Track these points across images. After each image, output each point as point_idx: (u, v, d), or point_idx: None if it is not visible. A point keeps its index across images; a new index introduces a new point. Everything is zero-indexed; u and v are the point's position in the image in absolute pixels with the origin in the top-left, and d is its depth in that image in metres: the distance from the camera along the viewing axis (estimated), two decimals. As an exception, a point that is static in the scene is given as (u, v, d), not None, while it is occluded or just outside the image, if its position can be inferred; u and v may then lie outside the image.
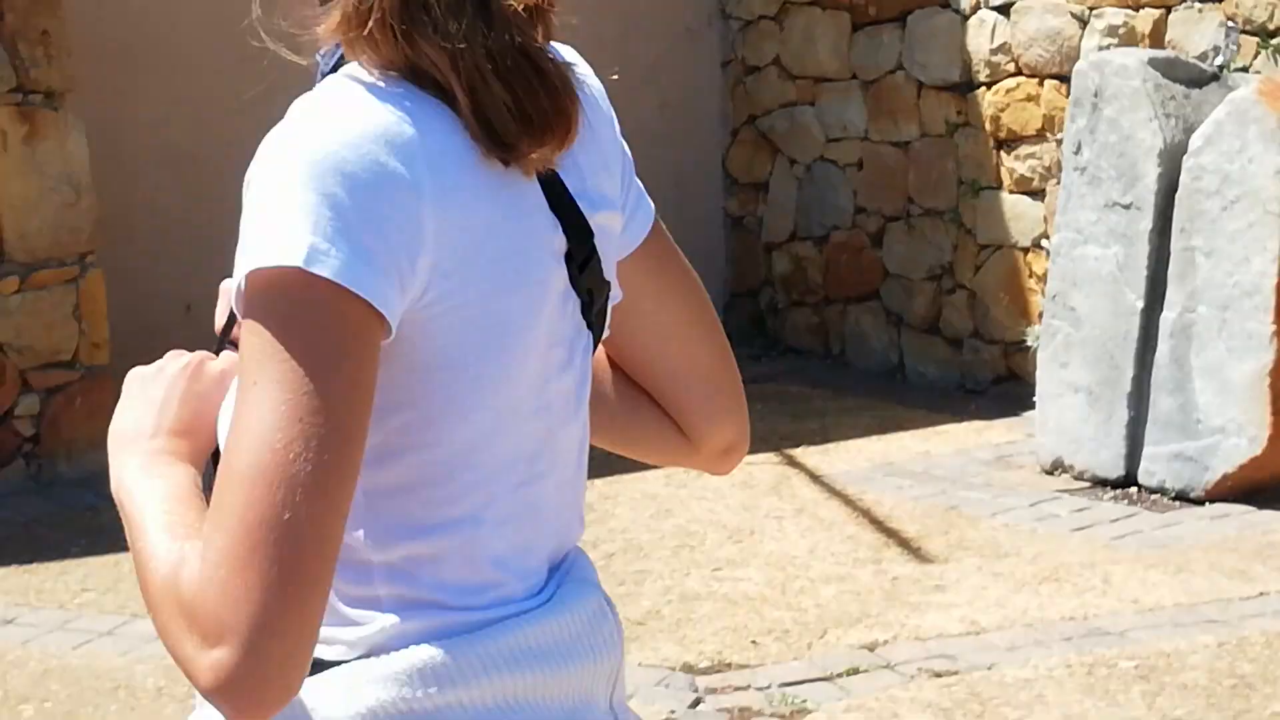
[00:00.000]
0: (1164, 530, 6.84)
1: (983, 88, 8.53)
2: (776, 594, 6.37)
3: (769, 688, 5.63)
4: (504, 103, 2.07)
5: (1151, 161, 7.19)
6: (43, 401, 7.86)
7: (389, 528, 2.07)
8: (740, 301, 9.85)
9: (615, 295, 2.29)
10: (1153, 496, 7.15)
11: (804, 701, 5.51)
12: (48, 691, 5.76)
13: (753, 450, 7.19)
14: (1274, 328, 6.84)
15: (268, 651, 1.84)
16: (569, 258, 2.18)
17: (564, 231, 2.17)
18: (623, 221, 2.32)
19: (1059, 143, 7.85)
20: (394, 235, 1.99)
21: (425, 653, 2.03)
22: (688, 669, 5.78)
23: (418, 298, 2.02)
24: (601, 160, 2.28)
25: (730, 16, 9.66)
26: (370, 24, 2.02)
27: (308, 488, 1.83)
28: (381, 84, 2.04)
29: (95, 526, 7.10)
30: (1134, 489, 7.23)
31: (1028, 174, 8.38)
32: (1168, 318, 7.16)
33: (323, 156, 1.94)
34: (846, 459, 7.78)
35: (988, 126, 8.53)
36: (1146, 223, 7.21)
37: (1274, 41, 7.40)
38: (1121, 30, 7.85)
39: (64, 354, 7.90)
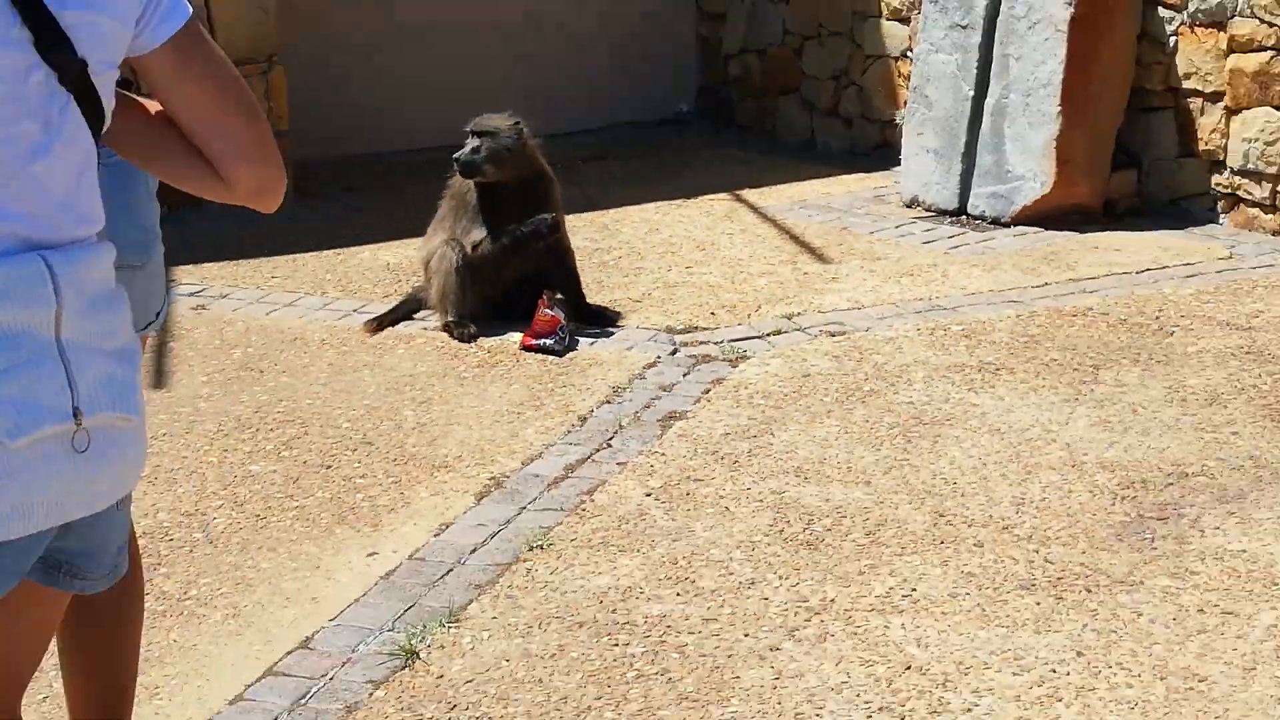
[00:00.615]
0: (983, 243, 6.98)
1: None
2: (728, 283, 6.55)
3: (721, 342, 5.81)
4: None
5: None
6: None
7: None
8: (706, 94, 9.76)
9: (108, 74, 2.19)
10: (976, 221, 7.26)
11: (744, 350, 5.70)
12: (250, 340, 5.98)
13: (712, 191, 7.54)
14: (1059, 109, 6.96)
15: None
16: (38, 43, 2.06)
17: (28, 26, 2.05)
18: (126, 27, 2.18)
19: None
20: None
21: None
22: (669, 330, 5.98)
23: None
24: None
25: None
26: None
27: None
28: None
29: (279, 238, 7.23)
30: (964, 217, 7.33)
31: (899, 6, 8.34)
32: (989, 103, 7.27)
33: None
34: (775, 197, 7.84)
35: None
36: (977, 38, 7.29)
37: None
38: None
39: None
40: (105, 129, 2.22)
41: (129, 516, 2.37)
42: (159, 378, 5.62)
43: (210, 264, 6.85)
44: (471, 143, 5.94)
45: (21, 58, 2.07)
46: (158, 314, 2.97)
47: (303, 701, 3.60)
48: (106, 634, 3.04)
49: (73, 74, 2.11)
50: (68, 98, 2.12)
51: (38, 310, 2.07)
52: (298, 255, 7.02)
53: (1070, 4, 6.95)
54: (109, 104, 2.21)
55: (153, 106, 2.32)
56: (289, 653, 3.81)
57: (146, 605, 3.18)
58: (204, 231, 7.14)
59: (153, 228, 2.92)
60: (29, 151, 2.10)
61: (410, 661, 3.73)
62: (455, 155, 5.94)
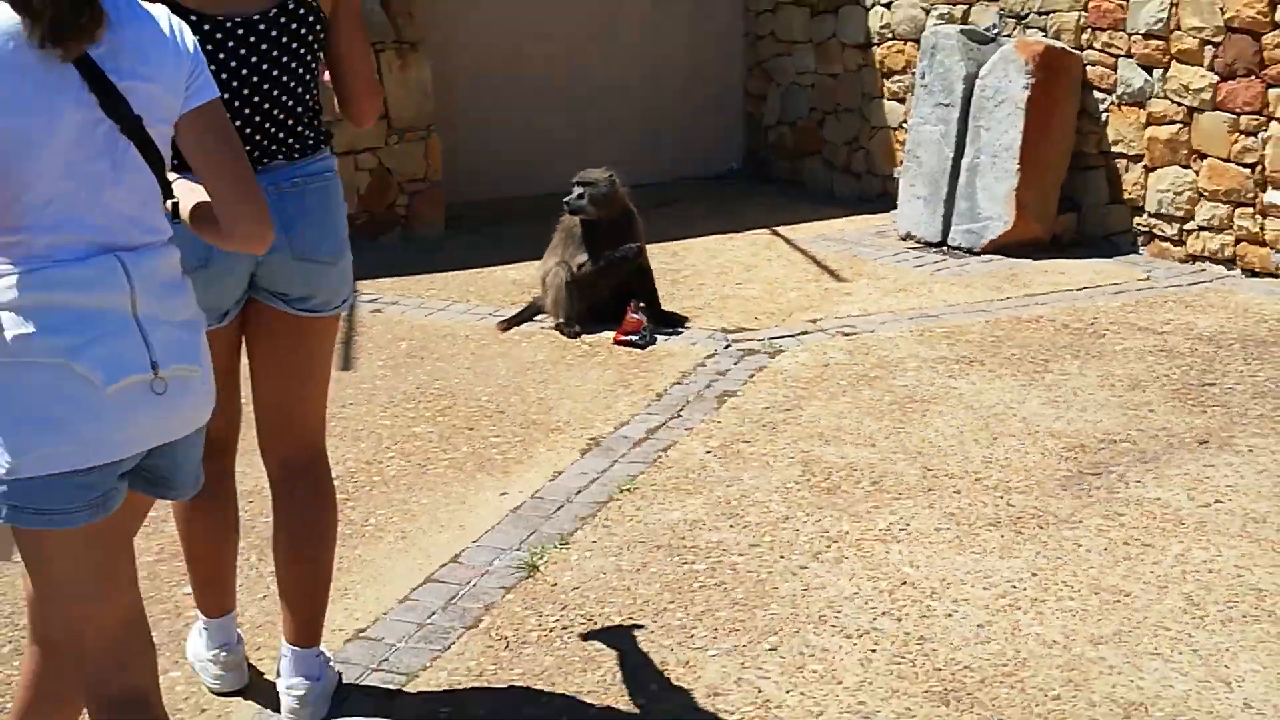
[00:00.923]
0: (960, 267, 6.92)
1: (875, 45, 8.39)
2: (767, 296, 6.54)
3: (762, 340, 5.79)
4: (45, 16, 2.04)
5: (960, 81, 7.19)
6: (409, 198, 7.85)
7: None
8: (750, 155, 9.66)
9: (161, 127, 2.24)
10: (954, 251, 7.18)
11: (780, 346, 5.68)
12: (413, 336, 6.00)
13: (755, 228, 7.53)
14: (1017, 167, 6.89)
15: None
16: (103, 104, 2.13)
17: (94, 92, 2.12)
18: (175, 94, 2.23)
19: (913, 73, 7.78)
20: None
21: (5, 281, 2.09)
22: (723, 330, 5.96)
23: None
24: (141, 56, 2.18)
25: (749, 11, 9.53)
26: None
27: None
28: None
29: (435, 260, 7.26)
30: (945, 247, 7.25)
31: (897, 90, 8.26)
32: (965, 162, 7.20)
33: None
34: (802, 232, 7.79)
35: (877, 66, 8.38)
36: (956, 113, 7.22)
37: (1024, 21, 7.43)
38: (945, 15, 7.85)
39: (418, 175, 7.86)
40: (166, 167, 2.28)
41: (202, 444, 2.41)
42: (347, 362, 5.68)
43: (384, 279, 6.90)
44: (577, 190, 5.99)
45: (90, 115, 2.14)
46: (344, 300, 3.00)
47: (453, 601, 3.65)
48: (310, 546, 3.09)
49: (131, 126, 2.18)
50: (129, 144, 2.18)
51: (116, 294, 2.16)
52: (448, 273, 7.09)
53: (1027, 88, 6.91)
54: (166, 150, 2.26)
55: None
56: (442, 565, 3.86)
57: (339, 530, 3.21)
58: (380, 256, 7.20)
59: (342, 238, 2.96)
60: (100, 183, 2.17)
61: (532, 573, 3.77)
62: (565, 199, 5.99)
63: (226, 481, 3.13)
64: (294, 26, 2.81)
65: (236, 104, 2.78)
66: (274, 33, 2.78)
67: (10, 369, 2.13)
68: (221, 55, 2.74)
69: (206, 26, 2.71)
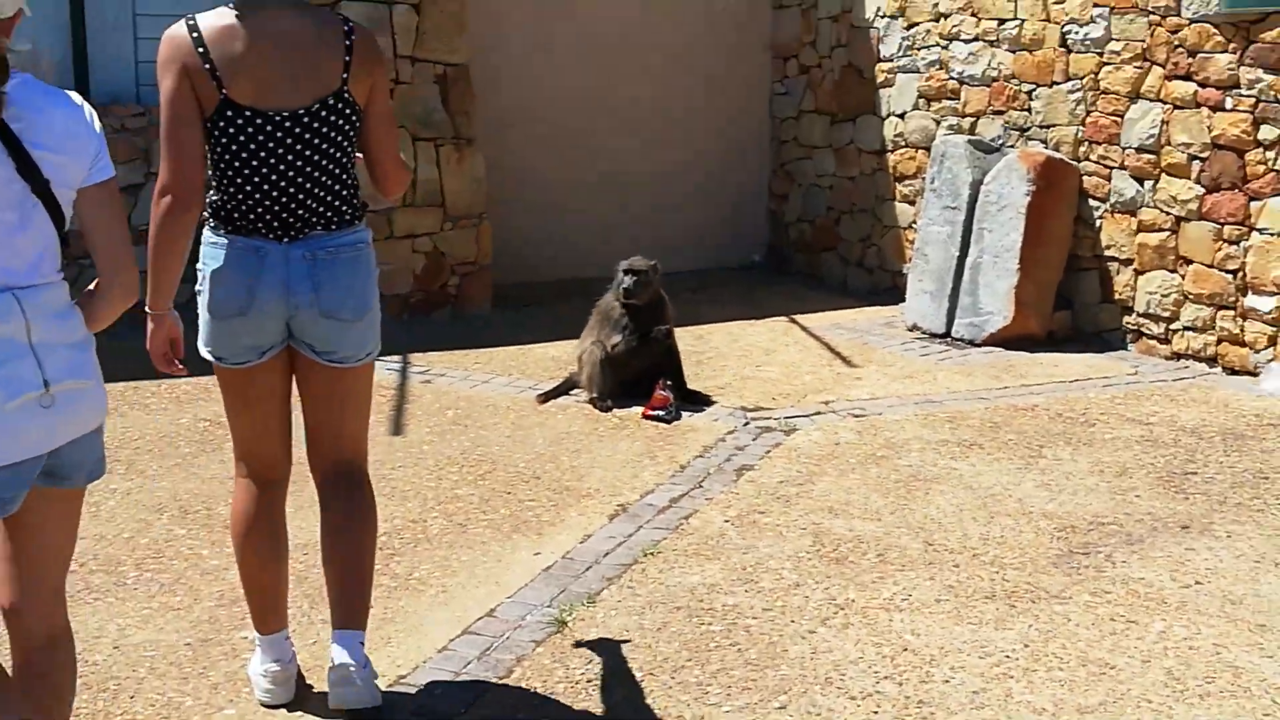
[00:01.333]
0: (962, 357, 6.91)
1: (889, 152, 8.47)
2: (784, 378, 6.52)
3: (779, 418, 5.77)
4: None
5: (966, 186, 7.25)
6: (460, 279, 7.89)
7: None
8: (773, 250, 9.72)
9: (65, 191, 2.44)
10: (958, 342, 7.18)
11: (795, 425, 5.66)
12: (458, 405, 6.00)
13: (774, 315, 7.52)
14: (1018, 267, 6.91)
15: None
16: (18, 168, 2.36)
17: (11, 157, 2.34)
18: (81, 167, 2.46)
19: (924, 178, 7.84)
20: None
21: None
22: (743, 409, 5.94)
23: None
24: (54, 133, 2.41)
25: (775, 118, 9.67)
26: None
27: None
28: None
29: (481, 337, 7.28)
30: (949, 339, 7.25)
31: (908, 193, 8.31)
32: (969, 260, 7.22)
33: None
34: (818, 320, 7.80)
35: (891, 171, 8.44)
36: (962, 216, 7.27)
37: (1026, 133, 7.49)
38: (954, 126, 7.94)
39: (469, 258, 7.90)
40: (65, 223, 2.49)
41: (100, 442, 2.61)
42: (397, 428, 5.70)
43: (434, 353, 6.95)
44: (629, 279, 6.03)
45: (5, 174, 2.36)
46: (369, 354, 3.18)
47: (487, 652, 3.64)
48: (348, 542, 3.22)
49: (40, 188, 2.41)
50: (37, 202, 2.41)
51: (13, 325, 2.38)
52: (493, 348, 7.12)
53: (1028, 195, 6.95)
54: (67, 209, 2.48)
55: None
56: (478, 619, 3.85)
57: (384, 583, 3.25)
58: (431, 331, 7.26)
59: (367, 301, 3.14)
60: (9, 231, 2.39)
61: (561, 628, 3.76)
62: (621, 285, 6.03)
63: (278, 506, 3.27)
64: (334, 119, 3.02)
65: (282, 184, 3.00)
66: (316, 124, 3.00)
67: None
68: (270, 144, 2.96)
69: (259, 120, 2.95)
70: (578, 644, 3.67)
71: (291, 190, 3.00)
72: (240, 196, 3.00)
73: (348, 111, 3.03)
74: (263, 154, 2.96)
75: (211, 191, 3.05)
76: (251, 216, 3.00)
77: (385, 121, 3.14)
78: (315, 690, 3.37)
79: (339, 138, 3.04)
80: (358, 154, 3.17)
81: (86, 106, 2.53)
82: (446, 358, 6.88)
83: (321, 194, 3.04)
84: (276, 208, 3.00)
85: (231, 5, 2.96)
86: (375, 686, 3.13)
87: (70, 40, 7.51)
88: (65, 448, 2.49)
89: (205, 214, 3.06)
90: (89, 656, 3.54)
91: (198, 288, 3.09)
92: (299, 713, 3.29)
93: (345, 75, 3.00)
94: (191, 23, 2.92)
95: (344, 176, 3.09)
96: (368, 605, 3.20)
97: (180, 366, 3.05)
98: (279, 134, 2.97)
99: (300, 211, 3.02)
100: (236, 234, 3.02)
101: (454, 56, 7.76)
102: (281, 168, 2.99)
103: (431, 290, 7.80)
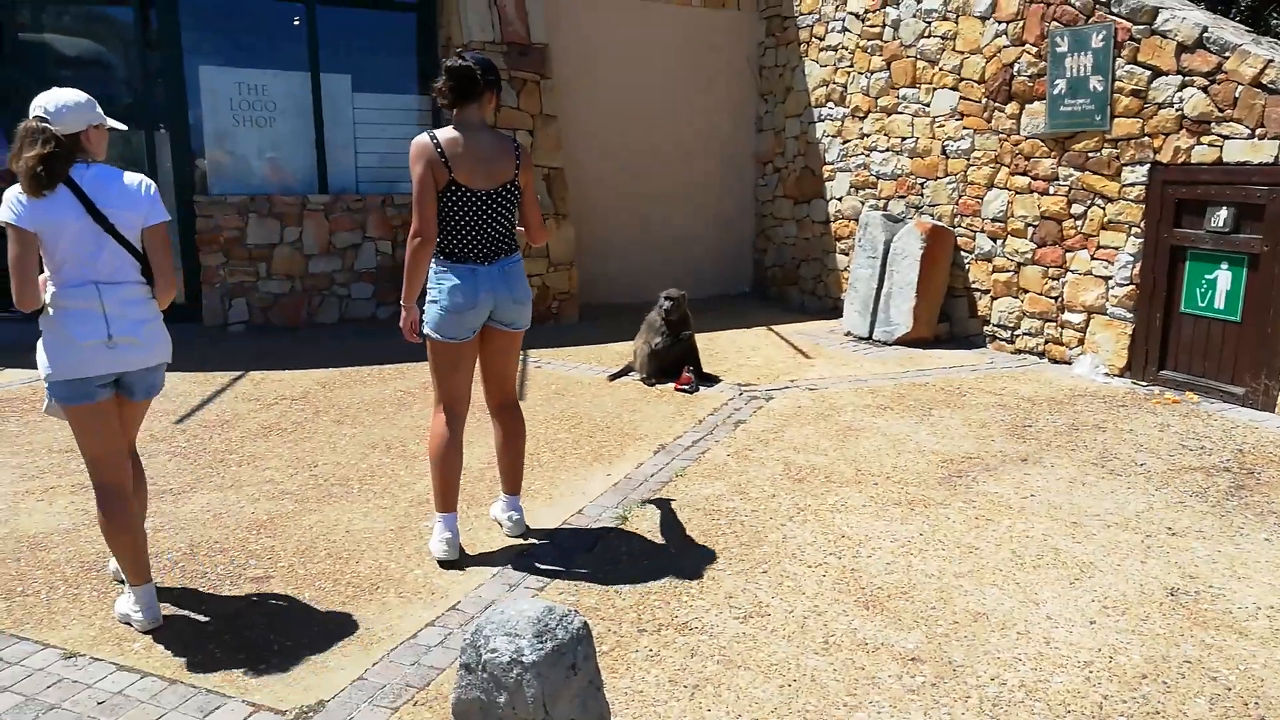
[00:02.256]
0: (879, 352, 6.77)
1: (832, 222, 8.32)
2: (764, 365, 6.41)
3: (761, 390, 5.67)
4: (33, 173, 2.46)
5: (881, 244, 7.11)
6: (558, 303, 7.72)
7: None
8: (756, 282, 9.55)
9: (130, 231, 2.57)
10: (877, 343, 7.05)
11: (771, 394, 5.57)
12: (558, 382, 5.91)
13: (757, 326, 7.39)
14: (915, 295, 6.80)
15: None
16: (93, 216, 2.50)
17: (86, 209, 2.50)
18: (138, 216, 2.58)
19: (854, 239, 7.74)
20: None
21: (52, 293, 2.60)
22: (738, 384, 5.84)
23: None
24: (113, 197, 2.54)
25: (758, 200, 9.54)
26: None
27: None
28: None
29: (571, 339, 7.16)
30: (871, 340, 7.12)
31: (844, 248, 8.19)
32: (884, 291, 7.08)
33: None
34: (786, 329, 7.68)
35: (833, 234, 8.30)
36: (878, 262, 7.12)
37: (920, 210, 7.38)
38: (874, 205, 7.81)
39: (564, 290, 7.75)
40: (136, 249, 2.58)
41: (161, 376, 2.75)
42: (521, 395, 5.69)
43: (543, 349, 6.91)
44: (667, 302, 5.96)
45: (85, 223, 2.51)
46: (527, 324, 3.31)
47: (578, 533, 3.61)
48: (514, 442, 3.45)
49: (107, 228, 2.53)
50: (108, 237, 2.54)
51: (93, 303, 2.54)
52: (579, 346, 7.09)
53: (921, 249, 6.87)
54: (136, 243, 2.59)
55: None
56: (572, 514, 3.82)
57: (530, 500, 3.32)
58: (539, 335, 7.23)
59: (528, 291, 3.28)
60: (90, 254, 2.53)
61: (623, 521, 3.76)
62: (662, 307, 5.92)
63: (460, 432, 3.34)
64: (508, 195, 3.22)
65: (486, 229, 3.21)
66: (500, 197, 3.21)
67: (53, 327, 2.55)
68: (478, 206, 3.17)
69: (470, 195, 3.16)
70: (635, 531, 3.66)
71: (489, 233, 3.19)
72: (459, 239, 3.16)
73: (515, 192, 3.23)
74: (472, 214, 3.14)
75: (439, 237, 3.19)
76: (467, 250, 3.17)
77: (532, 197, 3.35)
78: (469, 555, 3.40)
79: (511, 204, 3.23)
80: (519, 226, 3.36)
81: (145, 180, 2.63)
82: (550, 352, 6.82)
83: (503, 234, 3.23)
84: (480, 245, 3.18)
85: (454, 128, 3.14)
86: (526, 525, 3.54)
87: (315, 154, 7.57)
88: (126, 375, 2.65)
89: (435, 250, 3.19)
90: (331, 537, 3.59)
91: (431, 299, 3.20)
92: (457, 571, 3.32)
93: (516, 172, 3.21)
94: (432, 134, 3.12)
95: (513, 226, 3.28)
96: (521, 481, 3.49)
97: (419, 337, 3.19)
98: (480, 202, 3.16)
99: (493, 246, 3.20)
100: (458, 262, 3.17)
101: (554, 162, 7.70)
102: (483, 220, 3.17)
103: (539, 310, 7.73)
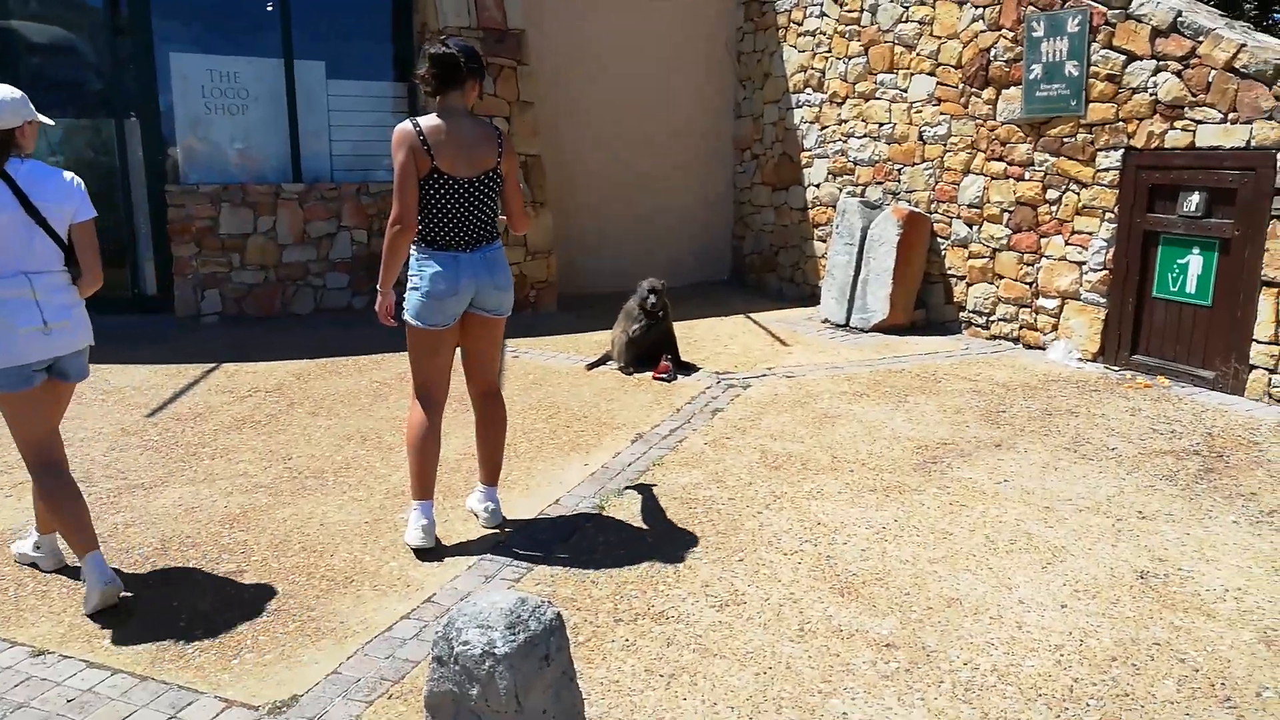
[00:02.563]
0: (856, 339, 6.79)
1: (810, 209, 8.31)
2: (742, 353, 6.41)
3: (739, 378, 5.67)
4: None
5: (858, 230, 7.13)
6: (535, 291, 7.63)
7: None
8: (735, 271, 9.54)
9: (58, 223, 2.69)
10: (854, 330, 7.05)
11: (748, 382, 5.58)
12: (534, 372, 5.88)
13: (736, 314, 7.42)
14: (891, 281, 6.82)
15: None
16: (26, 210, 2.62)
17: (20, 202, 2.61)
18: (67, 210, 2.70)
19: (832, 225, 7.74)
20: None
21: None
22: (716, 373, 5.84)
23: None
24: (46, 191, 2.66)
25: (736, 187, 9.55)
26: None
27: None
28: None
29: (549, 328, 7.12)
30: (848, 327, 7.12)
31: (821, 235, 8.19)
32: (860, 278, 7.09)
33: None
34: (764, 317, 7.68)
35: (810, 221, 8.30)
36: (855, 249, 7.14)
37: (897, 196, 7.39)
38: (851, 191, 7.80)
39: (542, 278, 7.70)
40: (64, 242, 2.70)
41: (85, 360, 2.88)
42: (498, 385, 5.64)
43: (521, 339, 6.87)
44: (653, 296, 5.94)
45: (19, 215, 2.64)
46: (509, 310, 3.32)
47: (555, 523, 3.60)
48: (493, 432, 3.47)
49: (38, 220, 2.66)
50: (38, 229, 2.67)
51: (25, 291, 2.66)
52: (557, 335, 7.07)
53: (898, 235, 6.89)
54: (63, 235, 2.72)
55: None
56: (549, 504, 3.82)
57: (506, 476, 3.30)
58: (517, 324, 7.19)
59: (510, 279, 3.30)
60: (23, 244, 2.66)
61: (601, 510, 3.76)
62: (644, 300, 5.90)
63: (438, 421, 3.35)
64: (491, 182, 3.23)
65: (469, 217, 3.22)
66: (481, 185, 3.22)
67: None
68: (460, 194, 3.17)
69: (452, 182, 3.17)
70: (612, 521, 3.66)
71: (470, 220, 3.19)
72: (441, 226, 3.15)
73: (497, 180, 3.23)
74: (454, 201, 3.13)
75: (420, 224, 3.17)
76: (449, 237, 3.16)
77: (514, 184, 3.32)
78: (445, 546, 3.39)
79: (493, 192, 3.24)
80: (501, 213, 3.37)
81: (75, 177, 2.75)
82: (527, 342, 6.79)
83: (484, 222, 3.23)
84: (462, 232, 3.18)
85: (437, 115, 3.14)
86: (503, 516, 3.53)
87: (289, 142, 7.47)
88: (60, 360, 2.78)
89: (415, 238, 3.17)
90: (306, 530, 3.56)
91: (412, 286, 3.18)
92: (432, 563, 3.31)
93: (498, 160, 3.21)
94: (415, 121, 3.11)
95: (494, 215, 3.28)
96: (499, 471, 3.49)
97: (394, 321, 3.22)
98: (463, 190, 3.16)
99: (477, 232, 3.21)
100: (440, 249, 3.16)
101: (531, 149, 7.64)
102: (465, 207, 3.17)
103: (518, 299, 7.68)
